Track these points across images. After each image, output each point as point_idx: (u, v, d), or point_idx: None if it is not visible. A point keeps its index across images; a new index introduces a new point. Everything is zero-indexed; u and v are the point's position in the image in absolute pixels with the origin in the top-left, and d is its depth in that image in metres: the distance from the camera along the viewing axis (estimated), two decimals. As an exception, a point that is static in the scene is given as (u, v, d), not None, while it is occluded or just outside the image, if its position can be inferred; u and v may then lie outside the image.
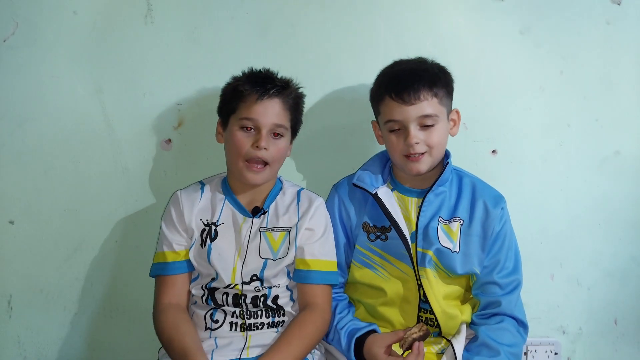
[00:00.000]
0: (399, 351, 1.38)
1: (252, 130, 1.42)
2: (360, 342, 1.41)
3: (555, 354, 1.84)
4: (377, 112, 1.49)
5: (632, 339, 1.87)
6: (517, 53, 1.72)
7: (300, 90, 1.50)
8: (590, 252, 1.81)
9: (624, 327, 1.86)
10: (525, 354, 1.83)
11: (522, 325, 1.46)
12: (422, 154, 1.42)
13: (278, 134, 1.43)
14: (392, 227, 1.46)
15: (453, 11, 1.70)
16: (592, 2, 1.72)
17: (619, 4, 1.73)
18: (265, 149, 1.41)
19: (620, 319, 1.85)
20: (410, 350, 1.36)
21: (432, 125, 1.41)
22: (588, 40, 1.73)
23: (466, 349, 1.43)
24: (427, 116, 1.40)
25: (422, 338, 1.37)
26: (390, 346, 1.38)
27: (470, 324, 1.49)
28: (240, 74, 1.48)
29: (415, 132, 1.40)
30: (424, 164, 1.43)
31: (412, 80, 1.40)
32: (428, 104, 1.40)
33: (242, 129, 1.42)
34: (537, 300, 1.82)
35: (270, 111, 1.42)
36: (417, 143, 1.40)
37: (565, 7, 1.71)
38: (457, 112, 1.50)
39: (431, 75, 1.42)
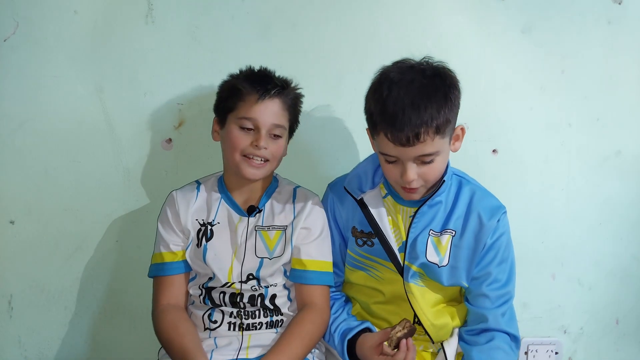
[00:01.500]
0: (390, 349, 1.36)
1: (251, 129, 1.41)
2: (352, 343, 1.41)
3: (557, 353, 1.84)
4: (372, 133, 1.38)
5: (634, 338, 1.87)
6: (518, 52, 1.72)
7: (299, 90, 1.49)
8: (592, 252, 1.81)
9: (625, 326, 1.86)
10: (526, 353, 1.83)
11: (514, 339, 1.41)
12: (418, 187, 1.35)
13: (277, 135, 1.42)
14: (376, 234, 1.43)
15: (454, 10, 1.70)
16: (593, 1, 1.71)
17: (619, 4, 1.73)
18: (265, 148, 1.40)
19: (622, 319, 1.85)
20: (397, 349, 1.33)
21: (431, 161, 1.31)
22: (589, 39, 1.73)
23: None
24: (426, 155, 1.30)
25: (409, 334, 1.34)
26: (380, 345, 1.35)
27: (460, 341, 1.44)
28: (238, 72, 1.48)
29: (412, 170, 1.31)
30: (419, 194, 1.38)
31: (412, 118, 1.25)
32: (427, 144, 1.28)
33: (240, 127, 1.41)
34: (538, 300, 1.82)
35: (270, 111, 1.41)
36: (414, 180, 1.32)
37: (566, 6, 1.71)
38: (462, 129, 1.39)
39: (436, 107, 1.27)
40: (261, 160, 1.41)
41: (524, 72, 1.73)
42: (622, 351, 1.87)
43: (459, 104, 1.35)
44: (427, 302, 1.44)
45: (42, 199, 1.65)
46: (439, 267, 1.41)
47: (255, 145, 1.40)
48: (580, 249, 1.81)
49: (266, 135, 1.41)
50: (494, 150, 1.75)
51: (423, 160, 1.31)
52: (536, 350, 1.83)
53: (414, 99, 1.27)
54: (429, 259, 1.41)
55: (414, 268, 1.42)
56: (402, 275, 1.43)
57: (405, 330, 1.34)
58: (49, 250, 1.67)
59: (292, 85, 1.48)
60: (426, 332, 1.44)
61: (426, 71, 1.33)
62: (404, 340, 1.33)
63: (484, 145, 1.75)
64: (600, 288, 1.83)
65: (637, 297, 1.85)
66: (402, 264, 1.42)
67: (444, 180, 1.39)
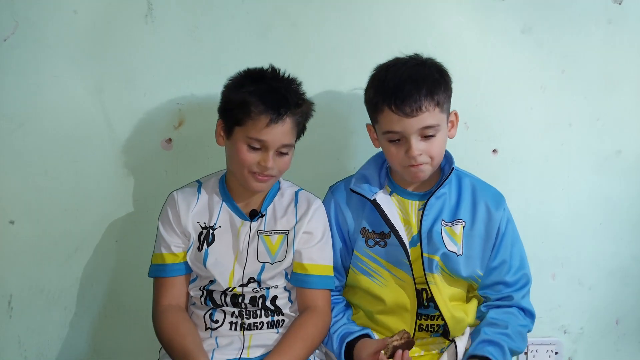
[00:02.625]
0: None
1: (259, 148, 1.38)
2: (351, 347, 1.41)
3: (557, 353, 1.84)
4: (374, 120, 1.45)
5: (634, 338, 1.87)
6: (518, 52, 1.72)
7: (312, 103, 1.46)
8: (592, 252, 1.81)
9: (625, 326, 1.85)
10: (526, 353, 1.83)
11: (529, 314, 1.47)
12: (423, 163, 1.40)
13: (283, 153, 1.41)
14: (391, 233, 1.44)
15: (454, 10, 1.69)
16: (593, 1, 1.71)
17: (620, 4, 1.73)
18: (271, 168, 1.39)
19: (622, 319, 1.85)
20: (393, 359, 1.34)
21: (433, 135, 1.38)
22: (589, 39, 1.73)
23: (472, 332, 1.45)
24: (429, 127, 1.36)
25: (405, 346, 1.34)
26: (378, 353, 1.36)
27: (477, 315, 1.49)
28: (246, 75, 1.43)
29: (417, 145, 1.37)
30: (425, 173, 1.42)
31: (413, 90, 1.35)
32: (430, 115, 1.36)
33: (248, 146, 1.38)
34: (538, 299, 1.79)
35: (280, 133, 1.37)
36: (420, 155, 1.37)
37: (566, 6, 1.71)
38: (456, 114, 1.46)
39: (432, 82, 1.37)
40: (267, 176, 1.40)
41: (524, 71, 1.73)
42: (622, 351, 1.86)
43: (451, 88, 1.43)
44: (446, 294, 1.45)
45: (41, 199, 1.64)
46: (457, 255, 1.44)
47: (263, 165, 1.38)
48: (581, 249, 1.81)
49: (274, 154, 1.39)
50: (494, 150, 1.75)
51: (426, 133, 1.37)
52: (536, 351, 1.83)
53: (411, 74, 1.38)
54: (449, 248, 1.44)
55: (436, 258, 1.43)
56: (413, 272, 1.44)
57: (403, 341, 1.34)
58: (48, 251, 1.67)
59: (306, 101, 1.43)
60: (445, 325, 1.44)
61: (417, 59, 1.45)
62: (399, 351, 1.33)
63: (484, 145, 1.75)
64: (601, 288, 1.83)
65: (638, 297, 1.85)
66: (420, 258, 1.43)
67: (453, 168, 1.44)
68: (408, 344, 1.34)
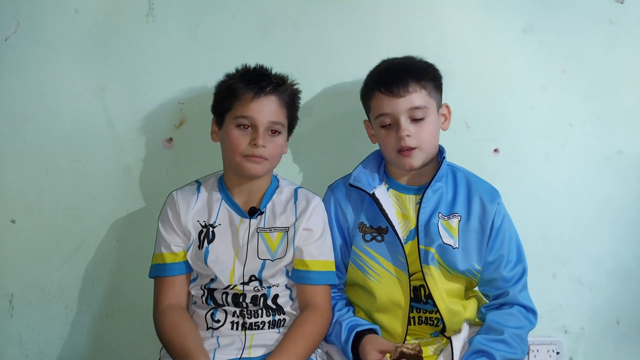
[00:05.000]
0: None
1: (249, 128, 1.41)
2: (358, 338, 1.42)
3: (558, 353, 1.84)
4: (368, 110, 1.51)
5: (635, 338, 1.86)
6: (519, 52, 1.72)
7: (296, 86, 1.50)
8: (593, 252, 1.81)
9: (626, 326, 1.85)
10: (527, 353, 1.82)
11: (530, 310, 1.48)
12: (414, 148, 1.42)
13: (275, 130, 1.43)
14: (389, 227, 1.46)
15: (455, 9, 1.70)
16: (595, 1, 1.71)
17: (621, 3, 1.72)
18: (263, 146, 1.40)
19: (623, 319, 1.85)
20: None
21: (422, 119, 1.42)
22: (591, 39, 1.72)
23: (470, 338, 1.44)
24: (416, 108, 1.42)
25: (413, 358, 1.34)
26: (384, 352, 1.38)
27: (478, 316, 1.50)
28: (234, 71, 1.48)
29: (406, 125, 1.42)
30: (417, 159, 1.44)
31: (400, 72, 1.43)
32: (417, 96, 1.42)
33: (238, 127, 1.41)
34: (539, 299, 1.79)
35: (266, 109, 1.41)
36: (409, 136, 1.41)
37: (568, 5, 1.71)
38: (447, 106, 1.51)
39: (418, 68, 1.45)
40: (260, 157, 1.41)
41: (525, 71, 1.73)
42: (623, 351, 1.86)
43: (441, 82, 1.49)
44: (443, 286, 1.46)
45: (43, 198, 1.65)
46: (453, 248, 1.45)
47: (253, 144, 1.40)
48: (581, 249, 1.80)
49: (264, 133, 1.41)
50: (495, 150, 1.75)
51: (414, 115, 1.42)
52: (537, 350, 1.82)
53: (399, 62, 1.49)
54: (444, 240, 1.45)
55: (432, 250, 1.45)
56: (408, 266, 1.44)
57: (412, 352, 1.34)
58: (49, 250, 1.67)
59: (289, 81, 1.48)
60: (441, 320, 1.45)
61: (408, 56, 1.52)
62: None
63: (485, 144, 1.75)
64: (601, 288, 1.83)
65: (638, 296, 1.84)
66: (417, 251, 1.44)
67: (444, 157, 1.47)
68: (416, 357, 1.34)
